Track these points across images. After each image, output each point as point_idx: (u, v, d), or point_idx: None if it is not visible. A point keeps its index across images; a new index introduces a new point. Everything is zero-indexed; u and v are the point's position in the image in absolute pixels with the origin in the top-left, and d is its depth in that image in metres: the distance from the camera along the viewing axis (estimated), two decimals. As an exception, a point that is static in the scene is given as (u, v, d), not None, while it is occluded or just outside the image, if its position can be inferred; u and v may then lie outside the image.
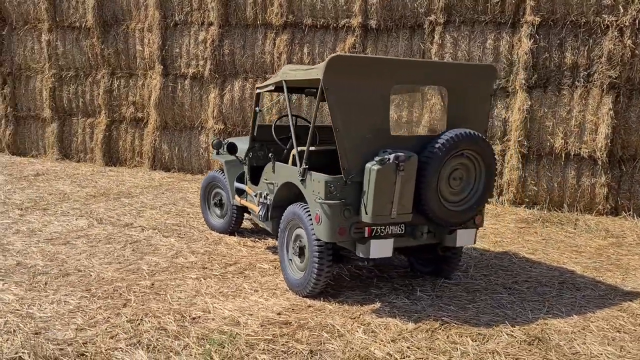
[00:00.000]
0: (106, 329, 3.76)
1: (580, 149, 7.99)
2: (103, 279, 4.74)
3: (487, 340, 3.86)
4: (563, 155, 8.07)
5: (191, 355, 3.44)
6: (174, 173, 10.23)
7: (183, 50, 10.14)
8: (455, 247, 4.81)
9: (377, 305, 4.41)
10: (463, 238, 4.57)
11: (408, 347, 3.70)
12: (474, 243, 4.68)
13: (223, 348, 3.54)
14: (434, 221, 4.40)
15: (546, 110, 8.12)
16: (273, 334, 3.78)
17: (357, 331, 3.90)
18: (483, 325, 4.08)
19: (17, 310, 4.02)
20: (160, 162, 10.47)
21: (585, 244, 6.43)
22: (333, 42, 9.27)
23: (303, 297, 4.50)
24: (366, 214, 4.08)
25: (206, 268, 5.14)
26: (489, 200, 4.78)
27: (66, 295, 4.35)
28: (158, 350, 3.49)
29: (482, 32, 8.41)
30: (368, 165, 4.03)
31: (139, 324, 3.86)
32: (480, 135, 4.35)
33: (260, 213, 5.20)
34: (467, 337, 3.89)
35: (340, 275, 5.10)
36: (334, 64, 4.00)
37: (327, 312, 4.22)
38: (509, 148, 8.41)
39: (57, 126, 11.25)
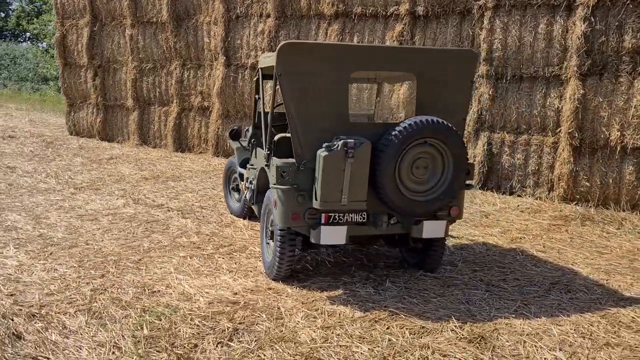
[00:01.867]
0: (70, 296, 4.14)
1: (639, 142, 7.27)
2: (102, 252, 5.17)
3: (425, 335, 3.74)
4: (619, 148, 7.39)
5: (125, 324, 3.71)
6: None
7: (244, 42, 10.54)
8: (438, 239, 4.68)
9: (339, 292, 4.41)
10: (430, 229, 4.43)
11: (338, 335, 3.69)
12: (445, 235, 4.51)
13: (159, 320, 3.77)
14: (395, 211, 4.31)
15: (601, 100, 7.47)
16: (213, 312, 3.95)
17: (298, 315, 3.95)
18: (433, 320, 3.96)
19: (10, 274, 4.54)
20: (223, 149, 10.99)
21: (619, 245, 5.89)
22: (382, 30, 9.17)
23: (272, 279, 4.61)
24: (316, 200, 4.11)
25: (200, 248, 5.42)
26: (466, 190, 4.56)
27: (60, 264, 4.81)
28: (98, 317, 3.80)
29: (534, 16, 7.90)
30: (318, 151, 4.05)
31: (100, 293, 4.21)
32: (444, 123, 4.18)
33: (247, 197, 5.38)
34: (406, 329, 3.80)
35: (324, 261, 5.13)
36: (286, 51, 4.05)
37: (283, 296, 4.31)
38: (560, 140, 7.85)
39: (137, 114, 12.19)
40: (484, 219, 6.82)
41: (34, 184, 8.02)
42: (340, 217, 4.29)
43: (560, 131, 7.84)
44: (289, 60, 4.06)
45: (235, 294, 4.31)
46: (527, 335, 3.79)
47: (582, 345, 3.67)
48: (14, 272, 4.58)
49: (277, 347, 3.47)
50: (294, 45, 4.11)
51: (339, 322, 3.89)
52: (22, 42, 36.78)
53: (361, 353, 3.47)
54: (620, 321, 4.05)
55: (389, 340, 3.65)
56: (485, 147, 8.42)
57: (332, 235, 4.21)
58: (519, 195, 8.10)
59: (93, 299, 4.08)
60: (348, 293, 4.39)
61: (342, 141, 4.00)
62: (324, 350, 3.47)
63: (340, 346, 3.55)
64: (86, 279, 4.48)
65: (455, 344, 3.63)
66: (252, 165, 5.30)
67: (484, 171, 8.45)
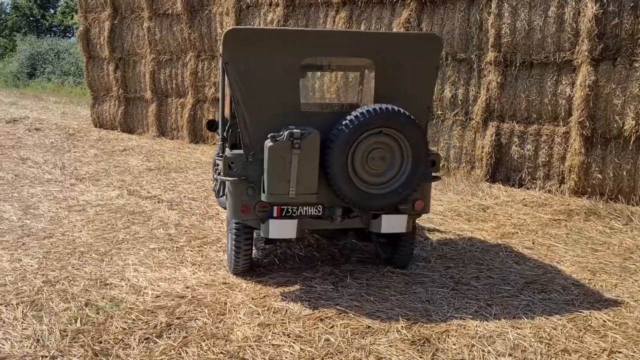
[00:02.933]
0: (20, 287, 4.14)
1: (655, 131, 6.77)
2: (74, 243, 5.19)
3: (368, 335, 3.55)
4: (634, 138, 6.90)
5: (62, 317, 3.67)
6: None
7: (254, 32, 10.43)
8: (405, 234, 4.46)
9: (295, 288, 4.26)
10: (390, 224, 4.20)
11: (274, 333, 3.54)
12: (406, 230, 4.27)
13: (97, 314, 3.72)
14: (350, 204, 4.11)
15: (614, 86, 6.98)
16: (155, 306, 3.87)
17: (241, 311, 3.82)
18: (382, 320, 3.75)
19: (-26, 264, 4.59)
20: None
21: (619, 242, 5.49)
22: (389, 17, 8.87)
23: (232, 273, 4.50)
24: (263, 192, 3.96)
25: (173, 240, 5.36)
26: (427, 183, 4.29)
27: (27, 255, 4.84)
28: (38, 309, 3.77)
29: (544, -2, 7.46)
30: (265, 142, 3.89)
31: (51, 285, 4.20)
32: (400, 112, 3.95)
33: (215, 189, 5.27)
34: (350, 329, 3.61)
35: (294, 255, 4.98)
36: (231, 38, 3.90)
37: (235, 290, 4.18)
38: (571, 130, 7.40)
39: (155, 106, 12.30)
40: (481, 213, 6.50)
41: (39, 175, 8.18)
42: (294, 211, 4.13)
43: (571, 120, 7.39)
44: (235, 47, 3.91)
45: (187, 287, 4.22)
46: (479, 338, 3.54)
47: (536, 351, 3.40)
48: (-21, 262, 4.63)
49: (204, 345, 3.35)
50: (240, 31, 3.95)
51: (282, 319, 3.73)
52: (70, 37, 37.93)
53: (290, 353, 3.31)
54: (589, 325, 3.74)
55: (327, 340, 3.48)
56: (494, 138, 8.05)
57: (281, 229, 4.06)
58: (528, 188, 7.71)
59: (41, 290, 4.07)
60: (304, 289, 4.23)
61: (287, 131, 3.83)
62: (252, 349, 3.33)
63: (272, 345, 3.40)
64: (45, 271, 4.48)
65: (395, 345, 3.42)
66: (218, 156, 5.19)
67: (492, 163, 8.08)
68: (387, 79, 4.12)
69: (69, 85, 25.90)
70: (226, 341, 3.43)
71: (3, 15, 39.11)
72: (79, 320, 3.60)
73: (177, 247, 5.14)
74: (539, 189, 7.63)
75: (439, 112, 8.59)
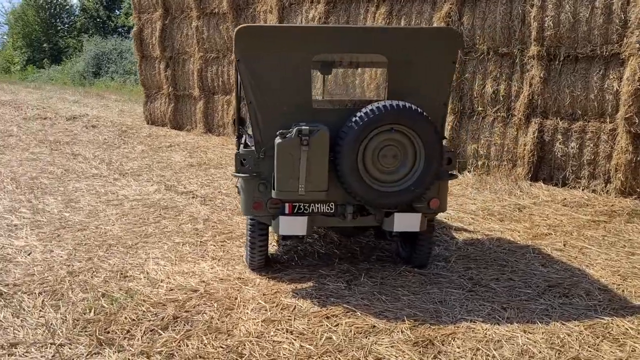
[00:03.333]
0: (46, 277, 4.33)
1: None
2: (105, 235, 5.38)
3: (372, 335, 3.51)
4: (686, 136, 6.50)
5: (78, 307, 3.82)
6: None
7: (297, 29, 10.48)
8: (423, 232, 4.38)
9: (308, 285, 4.26)
10: (403, 222, 4.13)
11: (277, 329, 3.56)
12: (420, 229, 4.17)
13: (110, 305, 3.85)
14: (361, 202, 4.07)
15: (665, 80, 6.59)
16: (167, 299, 3.96)
17: (249, 307, 3.86)
18: (389, 319, 3.70)
19: (9, 254, 4.83)
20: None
21: (660, 246, 5.19)
22: (430, 12, 8.72)
23: (250, 269, 4.55)
24: (273, 189, 3.97)
25: (198, 234, 5.47)
26: (444, 181, 4.18)
27: (59, 246, 5.06)
28: (57, 299, 3.94)
29: (591, -12, 7.12)
30: (276, 139, 3.91)
31: (75, 275, 4.37)
32: (412, 108, 3.87)
33: (237, 185, 5.33)
34: (354, 328, 3.58)
35: (314, 252, 4.98)
36: (243, 35, 3.92)
37: (249, 286, 4.23)
38: (618, 127, 7.05)
39: (203, 103, 12.58)
40: (515, 213, 6.29)
41: (86, 170, 8.53)
42: (305, 208, 4.13)
43: (618, 117, 7.03)
44: (246, 44, 3.93)
45: (202, 281, 4.30)
46: (486, 342, 3.43)
47: (545, 357, 3.26)
48: (13, 252, 4.88)
49: (205, 339, 3.40)
50: (251, 29, 3.97)
51: (289, 316, 3.74)
52: (131, 37, 39.20)
53: (289, 350, 3.32)
54: (608, 332, 3.56)
55: (329, 338, 3.46)
56: (536, 135, 7.77)
57: (292, 226, 4.06)
58: (571, 188, 7.39)
59: (63, 281, 4.24)
60: (317, 286, 4.23)
61: (296, 128, 3.83)
62: (251, 344, 3.36)
63: (273, 341, 3.42)
64: (72, 262, 4.66)
65: (397, 346, 3.37)
66: None
67: (534, 161, 7.80)
68: (401, 75, 4.05)
69: (130, 84, 26.84)
70: (228, 336, 3.47)
71: (72, 17, 40.97)
72: (92, 311, 3.74)
73: (201, 242, 5.25)
74: (583, 189, 7.30)
75: (480, 109, 8.36)
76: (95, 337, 3.35)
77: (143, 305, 3.84)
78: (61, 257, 4.78)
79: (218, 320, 3.67)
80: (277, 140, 3.86)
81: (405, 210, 4.13)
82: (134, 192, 7.19)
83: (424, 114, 3.90)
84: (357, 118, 3.86)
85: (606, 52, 7.09)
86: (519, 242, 5.28)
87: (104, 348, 3.26)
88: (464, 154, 8.55)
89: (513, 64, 8.01)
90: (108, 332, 3.46)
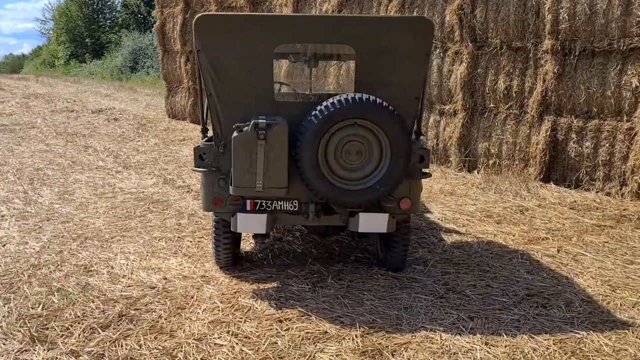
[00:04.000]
0: (9, 268, 4.29)
1: None
2: (86, 228, 5.33)
3: (320, 342, 3.31)
4: None
5: (28, 301, 3.75)
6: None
7: (311, 23, 10.30)
8: (397, 234, 4.15)
9: (271, 285, 4.09)
10: (368, 223, 3.91)
11: (223, 332, 3.40)
12: (387, 230, 3.94)
13: (62, 300, 3.76)
14: (323, 200, 3.87)
15: (685, 76, 6.13)
16: (121, 295, 3.85)
17: (202, 306, 3.72)
18: (343, 326, 3.49)
19: (-16, 244, 4.83)
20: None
21: (665, 254, 4.80)
22: (442, 4, 8.40)
23: (219, 267, 4.41)
24: (231, 184, 3.81)
25: (179, 230, 5.36)
26: (415, 180, 3.93)
27: (37, 238, 5.04)
28: (11, 292, 3.88)
29: (609, -23, 6.69)
30: (233, 133, 3.75)
31: (38, 269, 4.31)
32: (376, 101, 3.64)
33: None
34: (304, 333, 3.39)
35: (291, 251, 4.80)
36: (202, 25, 3.77)
37: (210, 284, 4.09)
38: (635, 125, 6.61)
39: (220, 98, 12.52)
40: (516, 215, 5.95)
41: (93, 162, 8.57)
42: (268, 205, 3.95)
43: (636, 115, 6.59)
44: (206, 34, 3.78)
45: (165, 278, 4.18)
46: (441, 354, 3.19)
47: (500, 374, 3.00)
48: (-11, 243, 4.87)
49: (144, 339, 3.27)
50: (211, 18, 3.81)
51: (240, 318, 3.58)
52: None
53: (227, 354, 3.15)
54: (579, 349, 3.26)
55: (274, 343, 3.28)
56: (550, 133, 7.36)
57: (250, 224, 3.89)
58: (586, 190, 6.98)
59: (24, 273, 4.19)
60: (280, 287, 4.05)
61: (253, 121, 3.65)
62: (189, 347, 3.21)
63: (214, 344, 3.26)
64: (42, 254, 4.62)
65: (342, 354, 3.16)
66: None
67: (547, 160, 7.40)
68: (370, 67, 3.82)
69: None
70: (170, 337, 3.33)
71: (114, 13, 41.84)
72: (41, 306, 3.66)
73: (178, 237, 5.14)
74: (597, 191, 6.88)
75: (492, 105, 8.00)
76: (29, 333, 3.26)
77: (94, 302, 3.74)
78: (33, 249, 4.74)
79: (165, 319, 3.53)
80: (234, 134, 3.69)
81: (371, 210, 3.90)
82: (131, 185, 7.16)
83: (389, 107, 3.67)
84: (316, 112, 3.66)
85: (624, 46, 6.64)
86: (510, 247, 4.97)
87: (36, 345, 3.17)
88: (475, 152, 8.21)
89: (526, 58, 7.63)
90: (47, 329, 3.37)
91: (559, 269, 4.45)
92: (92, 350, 3.13)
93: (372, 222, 3.90)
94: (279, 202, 3.95)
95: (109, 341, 3.23)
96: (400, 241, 4.23)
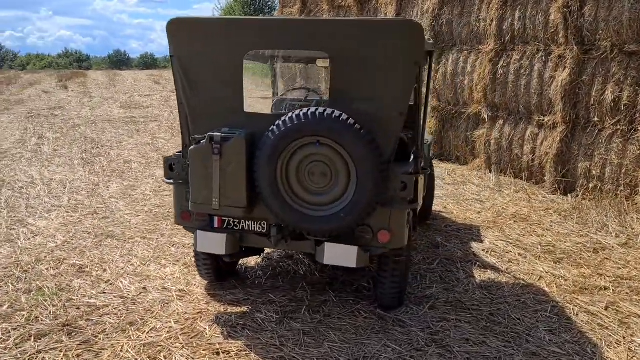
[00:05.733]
0: (17, 261, 4.49)
1: None
2: (120, 226, 5.46)
3: (237, 385, 2.95)
4: None
5: (10, 296, 3.86)
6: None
7: (412, 22, 9.70)
8: (386, 269, 3.65)
9: (239, 310, 3.79)
10: (334, 255, 3.42)
11: (148, 357, 3.19)
12: (356, 265, 3.41)
13: (32, 300, 3.82)
14: (283, 224, 3.48)
15: None
16: (86, 302, 3.81)
17: (150, 325, 3.54)
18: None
19: (17, 235, 5.14)
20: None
21: None
22: (547, 2, 7.36)
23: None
24: (189, 200, 3.58)
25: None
26: (396, 211, 3.32)
27: (67, 232, 5.25)
28: (7, 283, 4.04)
29: None
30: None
31: (40, 264, 4.45)
32: (338, 117, 3.16)
33: None
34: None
35: (293, 273, 4.46)
36: (173, 29, 3.56)
37: (183, 301, 3.90)
38: None
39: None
40: (586, 254, 4.97)
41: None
42: (235, 224, 3.66)
43: None
44: (177, 39, 3.56)
45: (144, 289, 4.09)
46: None
47: None
48: (24, 234, 5.17)
49: (65, 356, 3.16)
50: (181, 22, 3.57)
51: (179, 345, 3.33)
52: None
53: (131, 385, 2.93)
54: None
55: (193, 378, 2.99)
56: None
57: (208, 243, 3.61)
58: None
59: (21, 267, 4.35)
60: (247, 314, 3.73)
61: (208, 134, 3.38)
62: (101, 370, 3.04)
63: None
64: (58, 251, 4.76)
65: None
66: None
67: (655, 189, 6.13)
68: (346, 77, 3.33)
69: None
70: (94, 357, 3.19)
71: (273, 12, 43.84)
72: (6, 305, 3.75)
73: (192, 245, 5.02)
74: None
75: (596, 119, 6.83)
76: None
77: (55, 307, 3.74)
78: (55, 243, 4.94)
79: (105, 336, 3.40)
80: (192, 146, 3.45)
81: (338, 240, 3.42)
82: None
83: (354, 125, 3.16)
84: (274, 127, 3.28)
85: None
86: (549, 295, 4.12)
87: (-35, 346, 3.22)
88: (574, 173, 7.08)
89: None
90: (9, 323, 3.42)
91: (592, 333, 3.56)
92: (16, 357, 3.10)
93: (339, 254, 3.42)
94: (246, 222, 3.64)
95: (30, 353, 3.17)
96: (388, 277, 3.68)
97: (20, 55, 77.27)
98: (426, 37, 4.09)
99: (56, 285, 4.08)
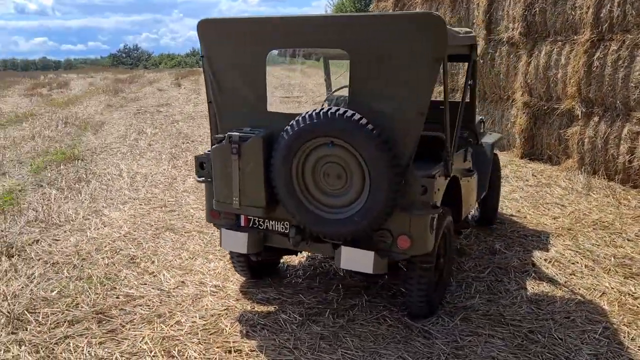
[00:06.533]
0: (78, 249, 4.81)
1: None
2: (183, 219, 5.67)
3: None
4: None
5: (57, 283, 4.15)
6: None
7: (504, 13, 9.17)
8: (412, 275, 3.49)
9: (265, 309, 3.79)
10: (350, 260, 3.30)
11: (163, 350, 3.28)
12: (374, 271, 3.26)
13: (80, 287, 4.08)
14: (300, 225, 3.42)
15: None
16: (126, 292, 4.00)
17: (175, 319, 3.64)
18: (283, 373, 3.06)
19: (88, 225, 5.52)
20: (477, 134, 9.91)
21: None
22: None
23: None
24: (214, 199, 3.63)
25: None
26: (416, 216, 3.11)
27: (134, 223, 5.55)
28: (54, 271, 4.34)
29: None
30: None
31: (98, 252, 4.74)
32: (350, 117, 3.04)
33: None
34: (232, 372, 3.07)
35: (334, 273, 4.40)
36: (204, 30, 3.61)
37: (215, 297, 3.97)
38: None
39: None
40: (666, 270, 4.40)
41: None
42: (260, 223, 3.66)
43: None
44: (207, 39, 3.61)
45: (182, 282, 4.21)
46: None
47: None
48: (95, 224, 5.53)
49: (88, 343, 3.33)
50: (210, 23, 3.60)
51: (195, 340, 3.39)
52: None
53: (138, 377, 3.03)
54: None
55: (195, 376, 3.04)
56: None
57: (231, 241, 3.63)
58: None
59: (80, 256, 4.65)
60: (271, 314, 3.72)
61: (227, 134, 3.40)
62: (123, 356, 3.17)
63: (148, 357, 3.17)
64: (119, 241, 5.04)
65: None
66: None
67: None
68: (365, 75, 3.19)
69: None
70: (116, 345, 3.34)
71: (385, 6, 43.55)
72: (56, 290, 4.03)
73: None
74: None
75: None
76: (9, 313, 3.62)
77: (98, 295, 3.96)
78: (118, 234, 5.23)
79: (132, 326, 3.55)
80: (214, 146, 3.50)
81: (354, 244, 3.30)
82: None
83: (367, 125, 3.02)
84: (288, 127, 3.23)
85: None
86: (607, 314, 3.69)
87: (10, 326, 3.50)
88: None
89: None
90: (34, 313, 3.69)
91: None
92: (35, 342, 3.32)
93: (355, 259, 3.29)
94: (270, 222, 3.62)
95: (58, 337, 3.38)
96: (415, 284, 3.49)
97: (153, 56, 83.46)
98: (464, 29, 3.83)
99: (105, 274, 4.32)
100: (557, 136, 8.21)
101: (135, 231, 5.30)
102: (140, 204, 6.19)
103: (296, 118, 3.20)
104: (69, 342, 3.34)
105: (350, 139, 3.06)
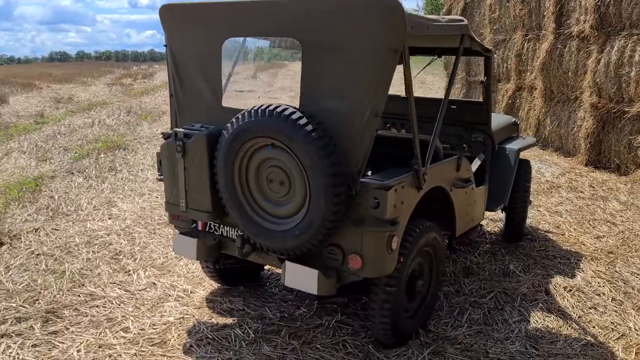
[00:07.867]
0: (70, 241, 4.74)
1: None
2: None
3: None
4: None
5: (27, 277, 4.06)
6: (546, 151, 8.71)
7: (577, 3, 8.26)
8: (375, 295, 3.06)
9: (221, 322, 3.49)
10: (294, 277, 2.90)
11: (96, 356, 3.07)
12: (318, 292, 2.83)
13: (47, 283, 3.97)
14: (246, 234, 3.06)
15: None
16: (90, 291, 3.83)
17: (123, 325, 3.41)
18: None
19: (89, 216, 5.47)
20: (542, 135, 9.06)
21: None
22: None
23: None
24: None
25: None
26: (370, 232, 2.64)
27: (135, 219, 5.45)
28: (33, 265, 4.27)
29: None
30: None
31: (87, 246, 4.63)
32: (286, 115, 2.65)
33: None
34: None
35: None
36: (166, 16, 3.33)
37: (179, 301, 3.73)
38: None
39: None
40: None
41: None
42: (216, 228, 3.35)
43: None
44: (168, 25, 3.34)
45: (153, 284, 4.00)
46: None
47: None
48: (99, 216, 5.48)
49: (30, 344, 3.18)
50: (170, 8, 3.31)
51: (136, 350, 3.16)
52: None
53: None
54: None
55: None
56: None
57: (181, 247, 3.33)
58: None
59: (67, 250, 4.55)
60: (224, 327, 3.40)
61: (173, 130, 3.11)
62: (40, 366, 2.99)
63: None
64: (114, 235, 4.92)
65: None
66: None
67: None
68: (317, 68, 2.78)
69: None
70: (50, 347, 3.16)
71: None
72: (24, 283, 3.93)
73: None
74: None
75: None
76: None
77: (61, 291, 3.82)
78: (117, 227, 5.11)
79: (73, 329, 3.35)
80: (163, 142, 3.22)
81: (299, 260, 2.90)
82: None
83: (306, 125, 2.62)
84: (228, 125, 2.88)
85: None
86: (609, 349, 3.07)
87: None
88: None
89: None
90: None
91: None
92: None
93: (299, 277, 2.89)
94: (225, 228, 3.30)
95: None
96: (377, 309, 3.04)
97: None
98: (449, 17, 3.28)
99: (80, 269, 4.19)
100: (627, 143, 7.26)
101: (135, 225, 5.17)
102: (157, 197, 6.08)
103: (238, 115, 2.85)
104: (2, 342, 3.19)
105: (287, 141, 2.67)
